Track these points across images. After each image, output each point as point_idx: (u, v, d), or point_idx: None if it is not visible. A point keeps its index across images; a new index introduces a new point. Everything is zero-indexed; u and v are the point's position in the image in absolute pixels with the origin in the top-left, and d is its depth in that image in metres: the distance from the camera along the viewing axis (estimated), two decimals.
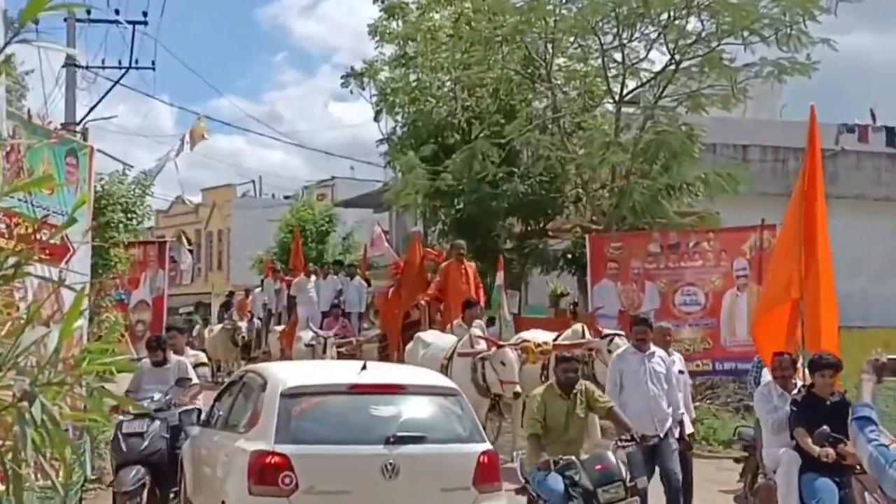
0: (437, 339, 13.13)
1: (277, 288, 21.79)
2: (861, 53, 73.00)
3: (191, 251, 43.44)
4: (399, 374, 8.02)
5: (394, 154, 20.42)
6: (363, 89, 20.86)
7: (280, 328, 20.30)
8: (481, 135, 18.42)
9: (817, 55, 16.14)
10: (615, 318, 14.83)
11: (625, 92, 17.63)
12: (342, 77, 21.20)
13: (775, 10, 15.68)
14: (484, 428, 7.92)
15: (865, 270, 23.82)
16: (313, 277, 19.72)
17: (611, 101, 17.98)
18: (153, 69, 20.39)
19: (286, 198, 42.39)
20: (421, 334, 13.64)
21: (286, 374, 7.32)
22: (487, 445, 6.84)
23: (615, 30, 16.93)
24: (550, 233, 19.67)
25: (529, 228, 19.49)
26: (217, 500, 6.84)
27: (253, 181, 47.91)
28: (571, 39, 17.74)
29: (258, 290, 23.86)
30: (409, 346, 13.51)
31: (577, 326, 12.39)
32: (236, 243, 41.91)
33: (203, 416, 8.19)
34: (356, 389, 6.78)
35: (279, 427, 6.48)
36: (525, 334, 12.75)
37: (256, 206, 42.81)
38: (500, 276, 15.20)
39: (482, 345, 11.91)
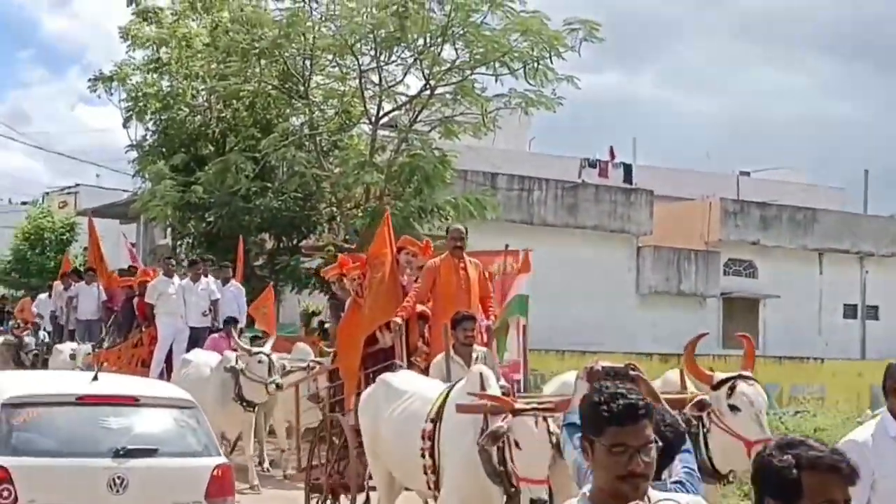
0: (413, 385, 7.70)
1: (73, 294, 17.87)
2: (610, 91, 77.81)
3: None
4: (132, 385, 7.75)
5: (143, 162, 19.70)
6: (112, 94, 20.07)
7: (82, 348, 15.52)
8: (236, 147, 18.19)
9: (564, 92, 17.05)
10: None
11: (381, 114, 17.92)
12: (90, 80, 20.32)
13: (524, 45, 16.41)
14: None
15: (601, 297, 25.33)
16: (176, 279, 14.76)
17: (367, 122, 18.21)
18: None
19: (24, 203, 40.04)
20: (388, 376, 8.04)
21: (9, 383, 6.98)
22: (222, 459, 6.76)
23: (373, 52, 17.19)
24: (304, 250, 19.59)
25: (282, 245, 19.35)
26: None
27: None
28: (330, 58, 17.83)
29: (44, 295, 20.06)
30: (368, 391, 8.21)
31: (671, 373, 7.13)
32: None
33: None
34: (85, 400, 6.55)
35: None
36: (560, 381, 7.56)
37: None
38: None
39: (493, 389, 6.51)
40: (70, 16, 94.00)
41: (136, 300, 15.49)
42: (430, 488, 6.82)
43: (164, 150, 19.37)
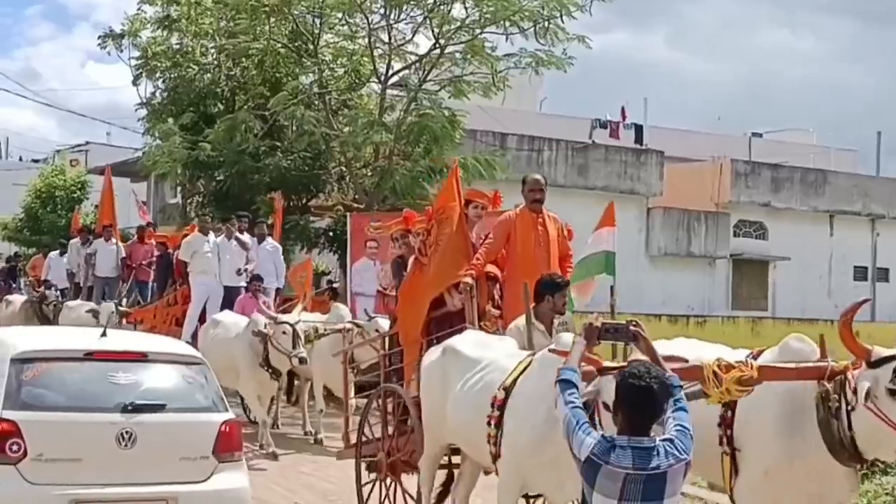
0: (488, 352, 6.74)
1: (91, 251, 17.53)
2: (621, 51, 77.25)
3: None
4: (140, 341, 7.79)
5: (153, 120, 19.72)
6: (122, 51, 20.05)
7: (105, 305, 14.48)
8: (245, 106, 18.13)
9: (575, 51, 16.96)
10: (373, 296, 15.03)
11: (390, 73, 17.86)
12: (100, 37, 20.33)
13: (535, 4, 16.31)
14: None
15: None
16: (212, 235, 14.35)
17: (376, 81, 18.13)
18: None
19: (35, 161, 40.11)
20: (455, 340, 7.09)
21: (18, 338, 7.00)
22: (229, 415, 6.79)
23: (383, 10, 17.11)
24: (313, 210, 19.61)
25: (291, 204, 19.37)
26: None
27: None
28: (339, 16, 17.74)
29: (55, 253, 19.97)
30: (431, 359, 7.25)
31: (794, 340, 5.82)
32: None
33: None
34: (94, 356, 6.57)
35: (8, 393, 6.21)
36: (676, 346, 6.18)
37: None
38: None
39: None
40: None
41: (175, 256, 15.15)
42: (493, 460, 6.28)
43: (173, 108, 19.39)
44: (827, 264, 30.06)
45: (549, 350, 5.78)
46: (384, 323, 11.04)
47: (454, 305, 8.12)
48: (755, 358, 5.65)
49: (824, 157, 34.02)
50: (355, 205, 17.70)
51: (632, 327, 4.67)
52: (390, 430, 7.98)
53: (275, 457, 11.15)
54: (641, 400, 3.99)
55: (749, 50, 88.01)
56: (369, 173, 17.98)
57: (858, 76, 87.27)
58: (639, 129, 31.73)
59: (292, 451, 11.77)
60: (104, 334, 6.85)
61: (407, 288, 8.77)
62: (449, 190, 8.61)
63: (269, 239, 15.13)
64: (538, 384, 5.73)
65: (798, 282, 28.93)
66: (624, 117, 32.02)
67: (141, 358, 6.78)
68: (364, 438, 8.29)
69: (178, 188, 22.91)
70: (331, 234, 18.72)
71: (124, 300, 15.23)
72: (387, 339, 9.35)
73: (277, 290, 14.92)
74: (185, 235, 14.95)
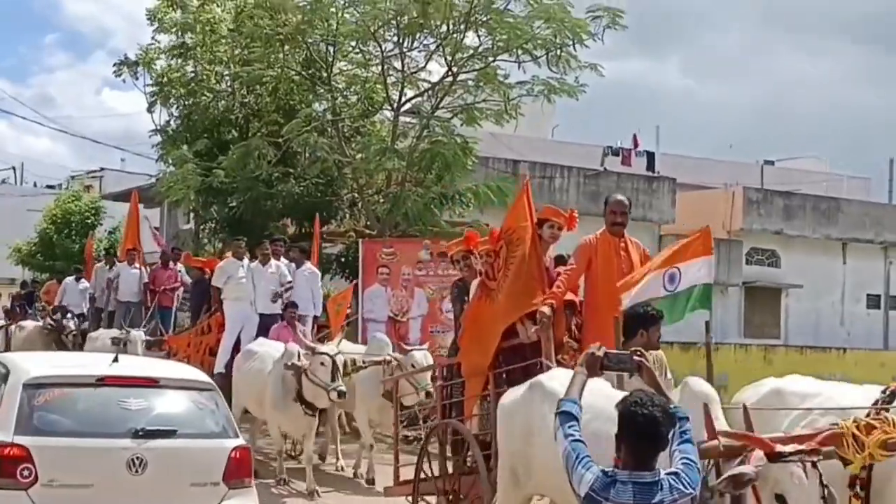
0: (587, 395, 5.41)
1: (113, 275, 17.39)
2: (634, 78, 77.43)
3: None
4: (152, 367, 7.82)
5: (167, 147, 19.83)
6: (137, 78, 20.19)
7: (135, 334, 13.83)
8: (258, 133, 18.23)
9: (587, 79, 16.99)
10: (384, 322, 15.07)
11: (403, 100, 17.94)
12: (115, 64, 20.43)
13: (547, 32, 16.36)
14: None
15: None
16: (246, 260, 13.72)
17: (389, 108, 18.22)
18: None
19: (49, 187, 40.38)
20: (545, 378, 6.41)
21: (31, 363, 7.05)
22: (240, 441, 6.82)
23: (396, 38, 17.19)
24: (325, 236, 19.68)
25: (304, 231, 19.44)
26: None
27: (14, 167, 45.41)
28: (353, 44, 17.83)
29: (71, 278, 19.62)
30: (514, 395, 6.58)
31: None
32: None
33: None
34: (105, 381, 6.62)
35: (20, 418, 6.27)
36: (790, 384, 6.35)
37: (15, 194, 40.52)
38: None
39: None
40: (95, 0, 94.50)
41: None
42: None
43: (187, 135, 19.48)
44: (840, 292, 29.94)
45: None
46: (420, 356, 10.67)
47: (528, 337, 7.44)
48: (891, 399, 5.13)
49: (837, 184, 33.97)
50: (367, 231, 17.75)
51: (635, 357, 4.55)
52: (449, 468, 7.56)
53: (317, 494, 10.47)
54: (645, 429, 3.86)
55: (764, 76, 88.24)
56: (381, 200, 18.02)
57: (872, 101, 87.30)
58: (651, 157, 31.73)
59: (331, 489, 11.01)
60: (116, 360, 6.89)
61: (472, 315, 8.05)
62: (520, 208, 7.89)
63: (308, 264, 14.62)
64: None
65: (811, 309, 28.80)
66: (636, 145, 32.03)
67: (152, 384, 6.81)
68: (422, 475, 7.78)
69: (191, 214, 22.99)
70: (342, 259, 18.77)
71: (146, 328, 14.84)
72: (442, 370, 8.68)
73: (315, 318, 14.29)
74: (221, 259, 14.44)
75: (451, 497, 7.36)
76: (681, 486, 3.82)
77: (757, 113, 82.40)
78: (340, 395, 10.12)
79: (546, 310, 7.28)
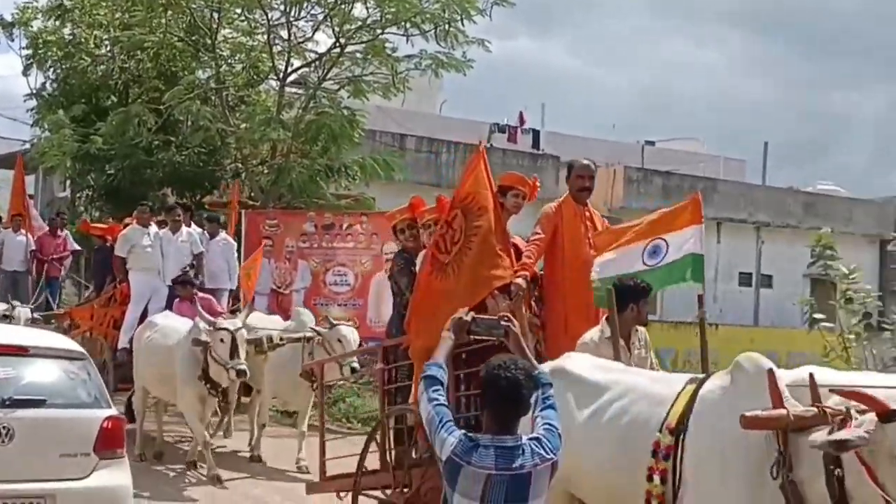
0: (621, 377, 5.42)
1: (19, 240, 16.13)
2: (522, 57, 78.15)
3: None
4: (21, 335, 7.61)
5: (43, 112, 19.19)
6: (12, 40, 19.50)
7: (21, 310, 12.62)
8: (139, 99, 17.81)
9: (475, 55, 17.10)
10: (267, 294, 14.94)
11: (289, 70, 17.76)
12: None
13: (436, 7, 16.42)
14: None
15: None
16: (153, 228, 12.70)
17: (275, 78, 18.01)
18: None
19: None
20: (566, 364, 5.70)
21: None
22: (112, 411, 6.71)
23: (283, 7, 16.99)
24: (207, 206, 19.35)
25: (185, 201, 19.07)
26: None
27: None
28: (238, 11, 17.56)
29: None
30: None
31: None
32: None
33: None
34: None
35: None
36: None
37: None
38: None
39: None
40: None
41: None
42: None
43: (64, 99, 18.88)
44: (713, 270, 30.91)
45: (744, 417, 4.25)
46: (347, 332, 10.33)
47: (500, 309, 6.40)
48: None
49: (714, 166, 34.94)
50: (251, 202, 17.53)
51: (503, 322, 4.46)
52: (392, 459, 7.10)
53: (218, 480, 9.87)
54: (507, 392, 3.84)
55: (651, 61, 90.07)
56: (265, 171, 17.83)
57: (751, 87, 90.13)
58: (536, 135, 32.12)
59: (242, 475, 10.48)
60: None
61: (420, 291, 7.07)
62: (476, 175, 6.95)
63: (223, 233, 13.95)
64: (731, 428, 4.34)
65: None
66: (522, 122, 32.37)
67: (21, 352, 6.64)
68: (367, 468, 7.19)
69: (68, 182, 22.33)
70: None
71: (33, 300, 14.00)
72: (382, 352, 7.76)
73: (231, 291, 13.56)
74: (125, 227, 13.24)
75: (405, 490, 6.82)
76: (542, 452, 3.83)
77: (641, 96, 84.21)
78: (240, 373, 9.60)
79: (521, 282, 6.80)
